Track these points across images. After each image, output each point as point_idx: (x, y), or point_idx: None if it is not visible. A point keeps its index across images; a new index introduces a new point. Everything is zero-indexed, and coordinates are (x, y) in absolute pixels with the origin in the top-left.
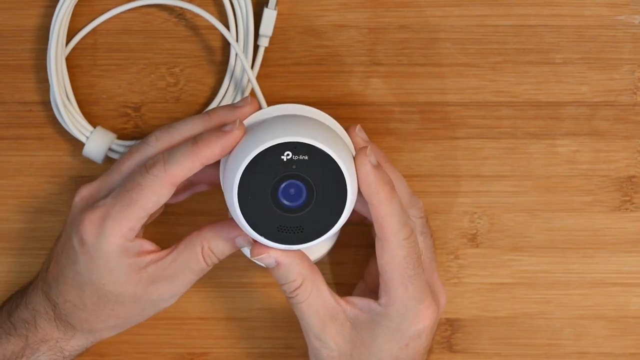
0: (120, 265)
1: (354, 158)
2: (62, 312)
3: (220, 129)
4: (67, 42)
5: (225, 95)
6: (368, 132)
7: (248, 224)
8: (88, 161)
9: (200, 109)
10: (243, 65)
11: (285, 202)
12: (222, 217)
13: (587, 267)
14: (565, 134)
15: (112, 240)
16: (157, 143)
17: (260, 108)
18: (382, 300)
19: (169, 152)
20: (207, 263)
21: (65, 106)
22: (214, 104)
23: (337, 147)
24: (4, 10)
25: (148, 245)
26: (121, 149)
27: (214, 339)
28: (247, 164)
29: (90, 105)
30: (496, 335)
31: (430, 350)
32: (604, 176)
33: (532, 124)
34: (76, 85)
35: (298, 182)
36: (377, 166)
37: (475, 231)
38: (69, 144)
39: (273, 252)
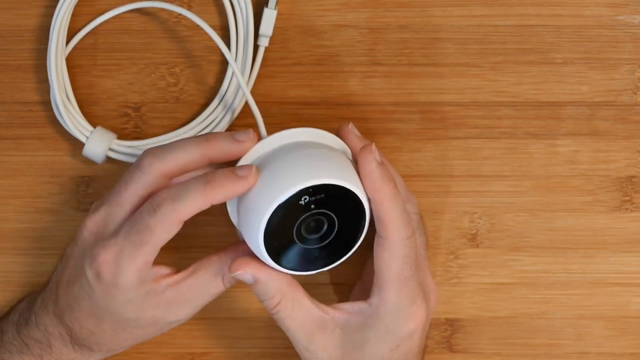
0: (139, 295)
1: (356, 157)
2: (79, 336)
3: (233, 171)
4: (67, 42)
5: (225, 95)
6: (368, 132)
7: (278, 264)
8: (88, 161)
9: (200, 109)
10: (239, 82)
11: (308, 237)
12: (226, 222)
13: (587, 267)
14: (565, 134)
15: (129, 275)
16: (151, 169)
17: (260, 138)
18: (374, 299)
19: (178, 191)
20: (226, 286)
21: (65, 106)
22: (213, 104)
23: (348, 174)
24: (4, 10)
25: (164, 270)
26: (121, 149)
27: (214, 339)
28: (267, 218)
29: (90, 105)
30: (496, 335)
31: (427, 351)
32: (604, 176)
33: (532, 124)
34: (76, 85)
35: (319, 217)
36: (382, 163)
37: (475, 231)
38: (69, 144)
39: (249, 269)
